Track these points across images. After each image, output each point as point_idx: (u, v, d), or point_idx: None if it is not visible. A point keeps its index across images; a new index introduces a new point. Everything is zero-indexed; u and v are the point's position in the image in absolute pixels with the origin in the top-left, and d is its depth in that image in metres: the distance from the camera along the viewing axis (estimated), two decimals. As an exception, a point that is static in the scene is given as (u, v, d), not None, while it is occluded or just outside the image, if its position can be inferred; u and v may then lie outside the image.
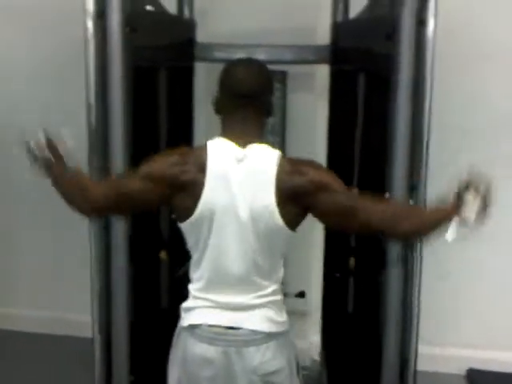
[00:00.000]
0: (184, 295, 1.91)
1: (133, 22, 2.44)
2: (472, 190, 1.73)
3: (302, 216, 1.78)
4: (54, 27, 3.44)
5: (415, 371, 2.66)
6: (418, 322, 2.64)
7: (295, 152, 3.09)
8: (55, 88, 3.58)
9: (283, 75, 3.15)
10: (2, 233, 3.93)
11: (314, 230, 3.21)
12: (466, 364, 3.53)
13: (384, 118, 2.48)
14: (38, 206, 3.82)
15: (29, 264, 3.94)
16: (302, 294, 3.26)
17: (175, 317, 1.97)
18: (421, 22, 2.31)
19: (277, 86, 3.06)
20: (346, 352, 3.09)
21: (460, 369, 3.52)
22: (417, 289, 2.58)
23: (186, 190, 1.74)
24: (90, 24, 2.37)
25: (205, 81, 3.13)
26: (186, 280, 2.00)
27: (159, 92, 2.84)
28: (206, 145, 1.77)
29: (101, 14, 2.35)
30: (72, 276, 3.76)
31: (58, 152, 1.78)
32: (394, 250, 2.51)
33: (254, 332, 1.76)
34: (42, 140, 1.77)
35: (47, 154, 1.76)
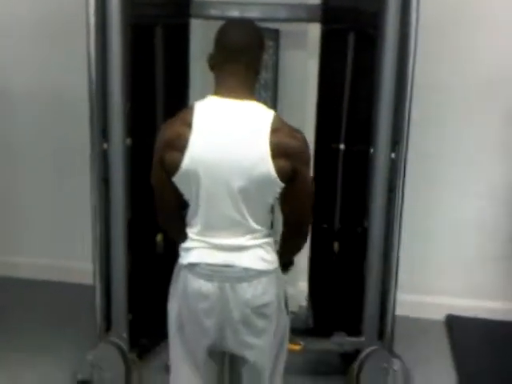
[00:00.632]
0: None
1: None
2: None
3: (290, 173, 1.88)
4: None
5: (394, 316, 2.88)
6: (396, 272, 2.83)
7: (286, 107, 3.27)
8: (55, 44, 3.69)
9: (276, 33, 3.25)
10: (4, 185, 4.08)
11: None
12: (446, 311, 3.74)
13: (371, 75, 2.63)
14: (39, 159, 3.98)
15: (30, 213, 4.10)
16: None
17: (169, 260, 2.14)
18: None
19: (269, 43, 3.16)
20: (331, 298, 3.28)
21: (440, 315, 3.74)
22: (396, 240, 2.78)
23: (172, 147, 1.87)
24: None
25: (200, 38, 3.21)
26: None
27: (156, 48, 2.95)
28: (193, 104, 1.89)
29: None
30: (72, 224, 3.93)
31: None
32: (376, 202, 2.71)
33: (247, 269, 1.92)
34: None
35: None
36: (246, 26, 2.01)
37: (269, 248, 1.97)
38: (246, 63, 1.90)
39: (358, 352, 2.88)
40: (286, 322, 2.07)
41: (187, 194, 1.94)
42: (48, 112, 3.85)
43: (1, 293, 3.89)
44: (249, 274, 1.92)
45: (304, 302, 3.56)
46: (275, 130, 1.84)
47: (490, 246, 3.68)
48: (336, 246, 3.22)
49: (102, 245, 2.80)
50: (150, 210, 2.15)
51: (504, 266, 3.69)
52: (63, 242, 4.04)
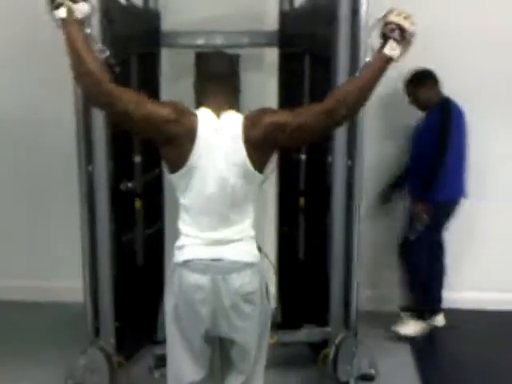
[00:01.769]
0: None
1: (110, 15, 2.85)
2: (394, 14, 2.12)
3: (268, 157, 2.23)
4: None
5: (357, 306, 3.21)
6: (359, 267, 3.16)
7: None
8: (33, 71, 3.90)
9: (237, 58, 3.57)
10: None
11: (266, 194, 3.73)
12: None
13: (326, 92, 2.95)
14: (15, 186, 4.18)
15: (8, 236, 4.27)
16: (258, 249, 3.70)
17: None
18: (354, 11, 2.84)
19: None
20: (298, 294, 3.58)
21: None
22: (356, 236, 3.10)
23: (177, 145, 2.16)
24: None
25: (169, 64, 3.55)
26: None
27: (131, 74, 3.22)
28: (196, 114, 2.19)
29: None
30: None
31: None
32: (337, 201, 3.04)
33: (235, 262, 2.22)
34: None
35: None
36: (220, 56, 2.37)
37: (252, 242, 2.30)
38: (226, 87, 2.26)
39: (324, 342, 3.20)
40: (267, 308, 2.36)
41: (182, 190, 2.22)
42: (25, 137, 4.05)
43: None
44: (237, 266, 2.22)
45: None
46: (244, 132, 2.16)
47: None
48: (301, 248, 3.54)
49: (90, 262, 3.07)
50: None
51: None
52: (39, 264, 4.23)
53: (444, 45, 3.72)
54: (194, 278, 2.22)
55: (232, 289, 2.21)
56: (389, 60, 2.13)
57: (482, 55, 3.79)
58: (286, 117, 2.20)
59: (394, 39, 2.11)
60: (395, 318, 3.83)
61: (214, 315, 2.23)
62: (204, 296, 2.21)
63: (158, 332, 3.41)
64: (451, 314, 3.94)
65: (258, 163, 2.19)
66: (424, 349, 3.68)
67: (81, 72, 2.09)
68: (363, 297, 3.49)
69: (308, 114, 2.21)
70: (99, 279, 3.09)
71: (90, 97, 2.21)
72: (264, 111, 2.23)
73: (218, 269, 2.21)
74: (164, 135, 2.16)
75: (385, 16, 2.14)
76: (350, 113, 2.24)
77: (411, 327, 3.77)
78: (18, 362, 3.49)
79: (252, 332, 2.29)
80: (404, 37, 2.11)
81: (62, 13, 2.11)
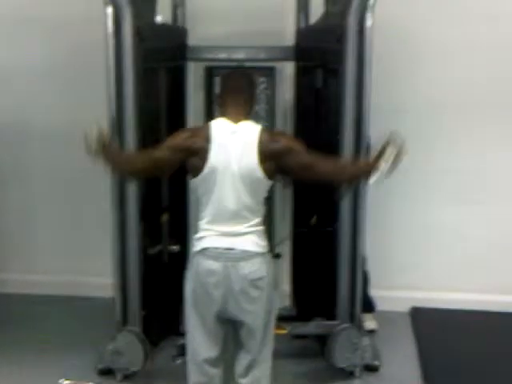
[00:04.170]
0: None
1: (141, 33, 3.16)
2: (390, 146, 2.49)
3: (277, 171, 2.54)
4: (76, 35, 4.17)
5: (361, 303, 3.44)
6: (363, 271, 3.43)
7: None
8: (70, 85, 4.29)
9: (271, 70, 3.84)
10: (20, 207, 4.62)
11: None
12: (410, 303, 4.32)
13: (336, 101, 3.25)
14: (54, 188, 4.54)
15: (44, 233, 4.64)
16: (277, 256, 3.92)
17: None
18: (361, 29, 3.11)
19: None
20: (310, 292, 3.81)
21: (404, 307, 4.31)
22: (361, 244, 3.37)
23: (196, 155, 2.49)
24: (110, 35, 3.11)
25: (194, 76, 3.87)
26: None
27: (160, 87, 3.52)
28: (209, 123, 2.54)
29: (118, 28, 3.10)
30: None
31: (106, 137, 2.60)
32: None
33: (245, 251, 2.51)
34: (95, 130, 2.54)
35: (100, 140, 2.54)
36: (242, 74, 2.74)
37: (261, 235, 2.59)
38: (244, 100, 2.60)
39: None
40: (273, 294, 2.63)
41: (202, 191, 2.54)
42: (61, 144, 4.40)
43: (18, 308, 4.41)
44: (246, 255, 2.52)
45: (287, 302, 4.10)
46: (261, 141, 2.49)
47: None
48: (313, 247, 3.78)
49: (119, 260, 3.36)
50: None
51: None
52: (74, 260, 4.58)
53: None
54: (209, 263, 2.51)
55: (241, 274, 2.50)
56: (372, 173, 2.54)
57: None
58: (301, 148, 2.54)
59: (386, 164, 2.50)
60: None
61: (225, 298, 2.51)
62: (216, 280, 2.50)
63: (181, 325, 3.69)
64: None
65: (267, 172, 2.50)
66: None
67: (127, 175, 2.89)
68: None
69: (321, 162, 2.56)
70: (128, 274, 3.36)
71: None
72: (287, 135, 2.67)
73: (229, 256, 2.51)
74: (187, 157, 2.55)
75: (387, 144, 2.50)
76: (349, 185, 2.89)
77: (372, 322, 3.98)
78: (52, 349, 3.79)
79: (259, 314, 2.56)
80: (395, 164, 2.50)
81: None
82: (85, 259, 4.51)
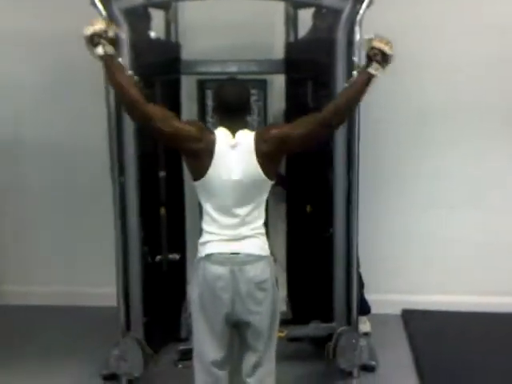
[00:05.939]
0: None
1: (136, 47, 3.27)
2: (376, 40, 2.60)
3: (277, 164, 2.68)
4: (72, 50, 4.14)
5: (358, 306, 3.55)
6: (358, 274, 3.53)
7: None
8: (65, 97, 4.36)
9: (264, 83, 3.95)
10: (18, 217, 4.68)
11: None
12: (401, 306, 4.45)
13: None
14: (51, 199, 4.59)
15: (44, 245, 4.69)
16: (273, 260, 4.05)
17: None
18: (350, 42, 3.24)
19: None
20: (306, 295, 3.92)
21: (396, 310, 4.44)
22: (355, 247, 3.48)
23: (198, 158, 2.58)
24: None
25: (188, 89, 3.98)
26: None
27: (155, 99, 3.61)
28: (214, 132, 2.62)
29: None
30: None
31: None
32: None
33: (249, 255, 2.61)
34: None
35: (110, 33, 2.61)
36: (236, 84, 2.82)
37: (264, 238, 2.70)
38: (240, 111, 2.69)
39: (330, 336, 3.54)
40: (277, 295, 2.74)
41: (205, 195, 2.64)
42: (64, 157, 4.51)
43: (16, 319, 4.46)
44: (251, 258, 2.62)
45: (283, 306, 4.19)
46: (257, 148, 2.58)
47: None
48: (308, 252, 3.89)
49: (122, 270, 3.45)
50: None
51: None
52: (73, 271, 4.66)
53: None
54: (216, 268, 2.61)
55: (247, 277, 2.60)
56: (371, 77, 2.63)
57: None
58: (287, 130, 2.64)
59: (377, 61, 2.60)
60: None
61: (233, 301, 2.61)
62: (224, 284, 2.60)
63: (181, 331, 3.79)
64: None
65: (269, 171, 2.61)
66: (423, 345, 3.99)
67: (124, 100, 2.65)
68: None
69: (306, 125, 2.64)
70: (130, 283, 3.46)
71: (130, 116, 2.71)
72: (269, 127, 2.71)
73: (235, 261, 2.61)
74: (187, 149, 2.60)
75: (370, 40, 2.63)
76: (341, 121, 2.74)
77: (366, 325, 4.09)
78: (57, 357, 3.87)
79: (264, 315, 2.67)
80: (385, 60, 2.61)
81: (99, 50, 2.63)
82: (83, 270, 4.59)
